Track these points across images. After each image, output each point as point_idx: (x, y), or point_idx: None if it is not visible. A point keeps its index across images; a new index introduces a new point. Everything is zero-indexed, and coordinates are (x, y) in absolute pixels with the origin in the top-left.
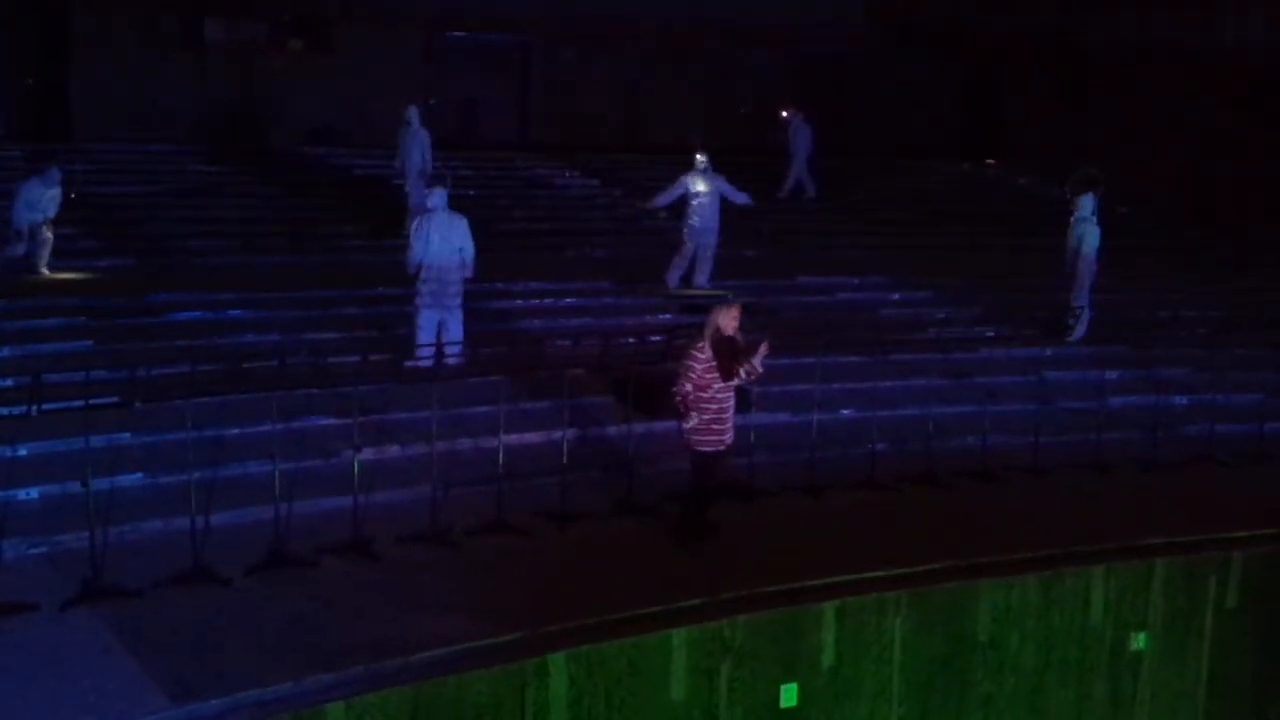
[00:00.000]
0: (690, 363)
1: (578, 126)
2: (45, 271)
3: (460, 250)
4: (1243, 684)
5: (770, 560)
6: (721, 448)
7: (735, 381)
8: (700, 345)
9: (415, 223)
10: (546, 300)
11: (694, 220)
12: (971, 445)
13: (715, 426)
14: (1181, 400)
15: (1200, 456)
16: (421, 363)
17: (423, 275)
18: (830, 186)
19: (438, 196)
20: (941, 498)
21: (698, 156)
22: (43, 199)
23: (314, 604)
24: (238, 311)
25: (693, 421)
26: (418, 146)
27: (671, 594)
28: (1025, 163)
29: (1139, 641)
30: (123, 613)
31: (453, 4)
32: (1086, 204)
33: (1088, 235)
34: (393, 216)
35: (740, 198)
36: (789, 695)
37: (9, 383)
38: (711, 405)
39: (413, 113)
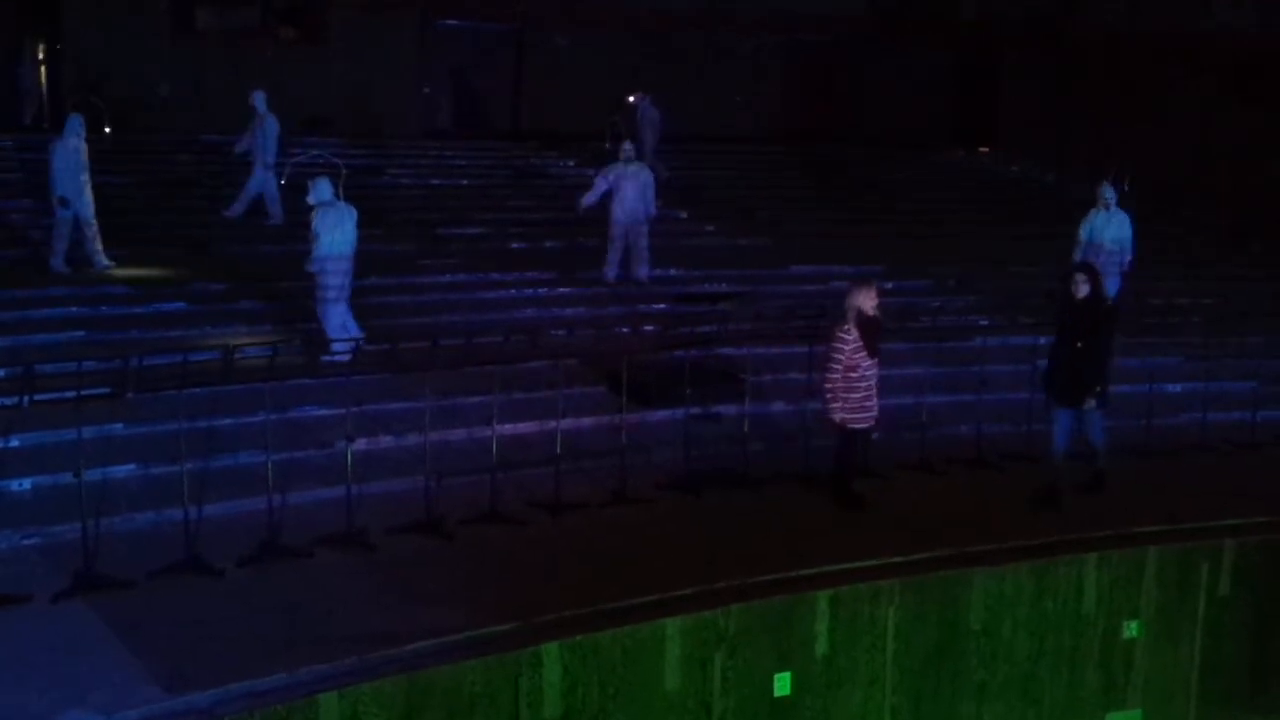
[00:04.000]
0: (838, 344)
1: (573, 114)
2: (107, 263)
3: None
4: (1235, 672)
5: (769, 549)
6: (871, 423)
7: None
8: (846, 328)
9: (316, 216)
10: (541, 290)
11: (618, 213)
12: (965, 434)
13: (866, 404)
14: (1174, 388)
15: (1193, 444)
16: (338, 357)
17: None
18: (823, 175)
19: (323, 188)
20: (935, 485)
21: (624, 146)
22: (79, 151)
23: (307, 595)
24: (234, 303)
25: (838, 401)
26: (269, 134)
27: (663, 583)
28: (1019, 150)
29: (1132, 630)
30: (115, 603)
31: None
32: (1111, 193)
33: (1127, 224)
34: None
35: (651, 208)
36: (783, 684)
37: (1, 373)
38: (862, 384)
39: (259, 98)
